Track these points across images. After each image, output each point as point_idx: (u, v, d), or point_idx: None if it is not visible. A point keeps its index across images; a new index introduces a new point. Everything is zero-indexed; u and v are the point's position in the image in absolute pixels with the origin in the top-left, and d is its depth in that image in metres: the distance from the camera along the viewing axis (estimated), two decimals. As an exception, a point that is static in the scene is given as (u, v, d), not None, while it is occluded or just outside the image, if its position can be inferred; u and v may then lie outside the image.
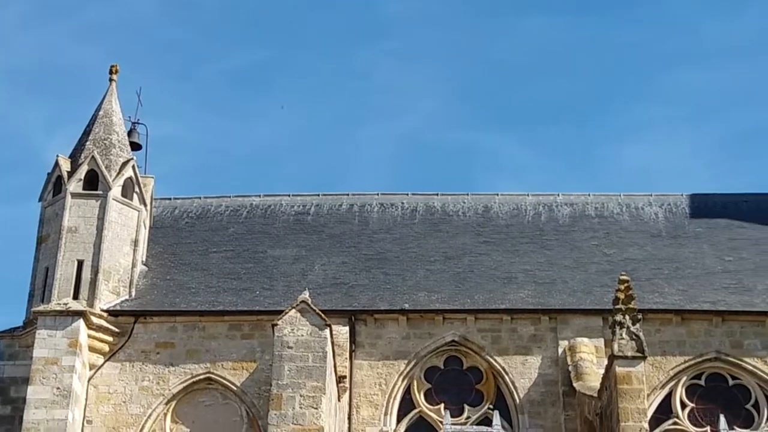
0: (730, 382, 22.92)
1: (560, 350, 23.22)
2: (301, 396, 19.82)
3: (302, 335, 20.28)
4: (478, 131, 55.25)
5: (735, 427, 21.28)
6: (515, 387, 23.08)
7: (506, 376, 23.20)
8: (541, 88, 56.01)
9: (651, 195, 28.11)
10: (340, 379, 22.46)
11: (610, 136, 55.59)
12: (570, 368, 22.70)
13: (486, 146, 55.05)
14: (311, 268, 25.49)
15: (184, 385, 23.10)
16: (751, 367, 22.81)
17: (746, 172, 52.88)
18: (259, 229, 27.43)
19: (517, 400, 22.95)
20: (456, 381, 23.58)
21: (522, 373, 23.20)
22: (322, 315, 20.67)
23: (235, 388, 22.94)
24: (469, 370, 23.64)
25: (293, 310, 20.61)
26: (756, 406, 22.58)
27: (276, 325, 20.53)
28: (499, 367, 23.31)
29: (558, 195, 28.38)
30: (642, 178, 53.57)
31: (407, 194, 28.61)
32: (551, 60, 55.81)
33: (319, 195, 28.76)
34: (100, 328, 23.14)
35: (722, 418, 20.47)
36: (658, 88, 55.29)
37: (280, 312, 21.07)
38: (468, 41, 55.44)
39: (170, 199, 28.60)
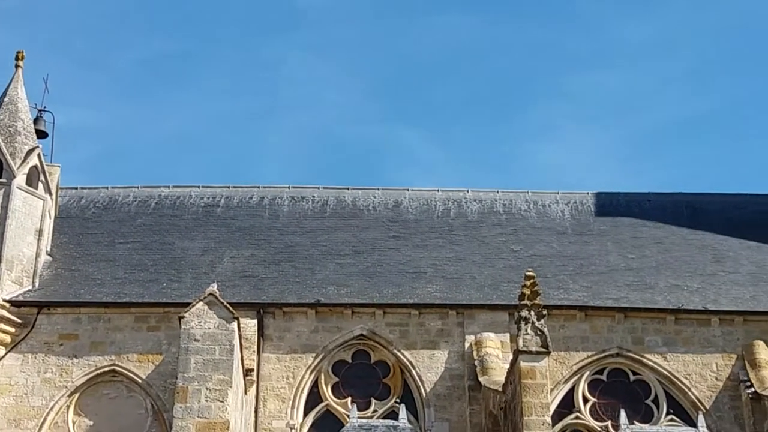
0: (631, 377, 23.41)
1: (467, 345, 23.45)
2: (207, 389, 19.68)
3: (209, 328, 20.14)
4: (390, 126, 55.45)
5: (635, 422, 21.72)
6: (422, 381, 23.25)
7: (413, 370, 23.36)
8: (453, 85, 56.42)
9: (558, 193, 28.55)
10: (247, 372, 22.37)
11: (519, 134, 56.27)
12: (476, 363, 22.94)
13: (398, 141, 55.26)
14: (220, 261, 25.33)
15: (88, 377, 22.78)
16: (651, 363, 23.32)
17: (651, 171, 54.04)
18: (167, 221, 27.15)
19: (424, 394, 23.13)
20: (363, 375, 23.65)
21: (429, 367, 23.38)
22: (230, 308, 20.54)
23: (140, 381, 22.69)
24: (377, 364, 23.74)
25: (201, 303, 20.44)
26: (655, 401, 23.11)
27: (183, 317, 20.34)
28: (406, 361, 23.46)
29: (467, 191, 28.66)
30: (550, 176, 54.43)
31: (318, 188, 28.61)
32: (463, 58, 56.29)
33: (229, 187, 28.58)
34: (1, 319, 22.68)
35: (623, 413, 20.85)
36: (566, 88, 56.12)
37: (187, 304, 20.86)
38: (380, 36, 55.62)
39: (77, 188, 28.14)
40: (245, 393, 22.27)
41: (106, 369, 22.85)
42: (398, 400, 22.82)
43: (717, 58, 56.31)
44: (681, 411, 22.92)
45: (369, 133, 54.72)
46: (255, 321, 23.30)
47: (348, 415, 21.79)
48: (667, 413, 22.80)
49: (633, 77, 55.86)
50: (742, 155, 55.07)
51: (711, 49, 56.36)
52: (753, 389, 22.32)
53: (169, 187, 28.49)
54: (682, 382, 23.06)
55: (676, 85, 56.03)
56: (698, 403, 22.77)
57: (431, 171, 54.31)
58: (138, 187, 28.39)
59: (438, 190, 28.72)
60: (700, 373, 23.14)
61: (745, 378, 22.73)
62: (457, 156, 54.82)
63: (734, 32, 56.00)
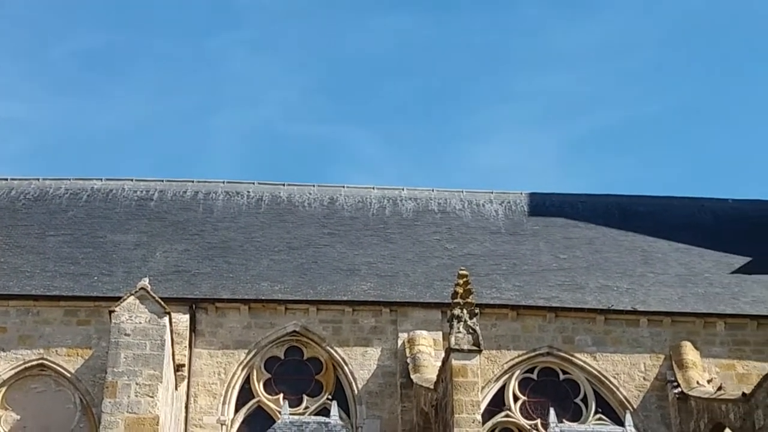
0: (561, 376, 23.66)
1: (400, 342, 23.51)
2: (137, 384, 19.50)
3: (140, 322, 19.96)
4: (330, 124, 55.40)
5: (564, 420, 21.96)
6: (354, 378, 23.27)
7: (346, 367, 23.37)
8: (394, 84, 56.58)
9: (492, 192, 28.76)
10: (178, 368, 22.20)
11: (459, 134, 56.57)
12: (408, 360, 23.01)
13: (339, 140, 55.25)
14: (152, 255, 25.10)
15: (16, 371, 22.44)
16: (581, 363, 23.59)
17: (586, 174, 54.69)
18: (99, 214, 26.84)
19: (356, 391, 23.15)
20: (296, 371, 23.61)
21: (362, 364, 23.41)
22: (162, 302, 20.38)
23: (69, 375, 22.40)
24: (310, 361, 23.71)
25: (132, 297, 20.25)
26: (584, 400, 23.37)
27: (113, 311, 20.14)
28: (339, 358, 23.45)
29: (403, 189, 28.75)
30: (487, 177, 54.82)
31: (253, 183, 28.50)
32: (405, 58, 56.45)
33: (163, 181, 28.34)
34: (-73, 311, 22.24)
35: (552, 411, 21.05)
36: (506, 90, 56.58)
37: (118, 298, 20.69)
38: (323, 35, 55.53)
39: (6, 179, 27.73)
40: (176, 388, 22.11)
41: (35, 363, 22.52)
42: (330, 397, 22.83)
43: (655, 64, 57.17)
44: (609, 410, 23.21)
45: (310, 131, 54.63)
46: (187, 316, 23.11)
47: (279, 412, 21.72)
48: (596, 412, 23.09)
49: (574, 80, 56.48)
50: (672, 159, 55.97)
51: (650, 54, 57.19)
52: (680, 389, 22.69)
53: (101, 179, 28.18)
54: (610, 382, 23.36)
55: (614, 90, 56.77)
56: (626, 403, 23.08)
57: (372, 170, 54.44)
58: (70, 179, 28.03)
59: (374, 188, 28.76)
60: (628, 372, 23.46)
61: (672, 378, 23.10)
62: (398, 155, 54.99)
63: (673, 39, 56.90)
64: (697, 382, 22.60)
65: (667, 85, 56.95)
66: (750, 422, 19.86)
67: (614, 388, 23.25)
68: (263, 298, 23.76)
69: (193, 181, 28.43)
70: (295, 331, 23.67)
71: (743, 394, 20.39)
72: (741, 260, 26.17)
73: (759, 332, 23.35)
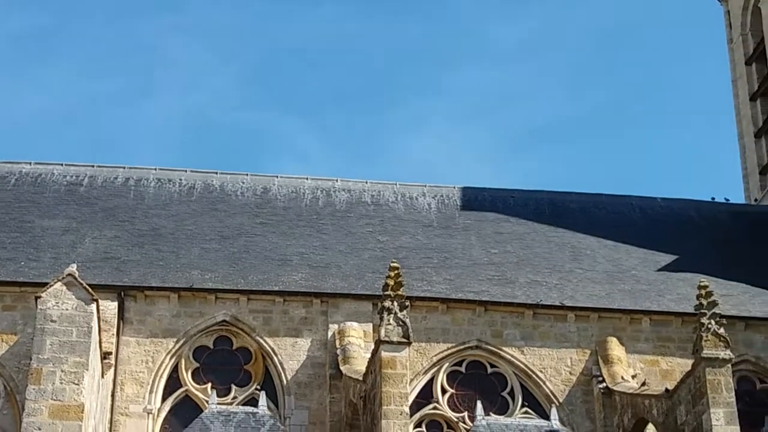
0: (489, 369, 23.85)
1: (330, 333, 23.50)
2: (62, 371, 19.27)
3: (67, 309, 19.71)
4: (265, 113, 55.22)
5: (490, 413, 22.18)
6: (283, 368, 23.21)
7: (275, 358, 23.30)
8: (330, 75, 56.55)
9: (425, 186, 28.85)
10: (105, 356, 21.94)
11: (393, 127, 56.78)
12: (338, 352, 23.01)
13: (273, 129, 55.11)
14: (81, 241, 24.79)
15: (-62, 356, 22.03)
16: (509, 356, 23.78)
17: (518, 169, 55.18)
18: (27, 198, 26.42)
19: (285, 382, 23.10)
20: (225, 361, 23.48)
21: (291, 354, 23.36)
22: (89, 289, 20.15)
23: (-7, 361, 22.04)
24: (239, 351, 23.59)
25: (59, 283, 19.99)
26: (511, 393, 23.57)
27: (39, 297, 19.87)
28: (268, 348, 23.38)
29: (336, 180, 28.72)
30: (420, 170, 55.10)
31: (186, 171, 28.26)
32: (341, 49, 56.47)
33: (93, 166, 27.99)
34: None
35: (479, 404, 21.27)
36: (441, 84, 56.87)
37: (45, 284, 20.42)
38: (260, 23, 55.30)
39: (-69, 162, 27.15)
40: (102, 376, 21.87)
41: (-42, 348, 22.12)
42: (259, 387, 22.76)
43: (588, 61, 57.82)
44: (535, 404, 23.44)
45: (244, 119, 54.40)
46: (115, 303, 22.87)
47: (207, 401, 21.62)
48: (522, 405, 23.30)
49: (507, 76, 56.95)
50: (603, 156, 56.69)
51: (583, 52, 57.82)
52: (605, 384, 23.00)
53: (30, 163, 27.74)
54: (537, 376, 23.59)
55: (547, 87, 57.34)
56: (552, 397, 23.34)
57: (306, 160, 54.39)
58: (-3, 163, 27.56)
59: (307, 179, 28.70)
60: (555, 367, 23.72)
61: (598, 373, 23.40)
62: (331, 146, 55.02)
63: (607, 38, 57.59)
64: (622, 378, 22.94)
65: (599, 83, 57.70)
66: (672, 418, 20.27)
67: (541, 382, 23.50)
68: (193, 286, 23.58)
69: (124, 167, 28.11)
70: (224, 321, 23.54)
71: (666, 390, 20.79)
72: (668, 258, 26.59)
73: (683, 329, 23.72)
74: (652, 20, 58.46)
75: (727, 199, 30.49)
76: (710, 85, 53.49)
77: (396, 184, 28.83)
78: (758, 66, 31.70)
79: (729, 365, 19.49)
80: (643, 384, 22.47)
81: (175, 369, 23.13)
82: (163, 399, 22.86)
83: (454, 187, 28.92)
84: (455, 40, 58.04)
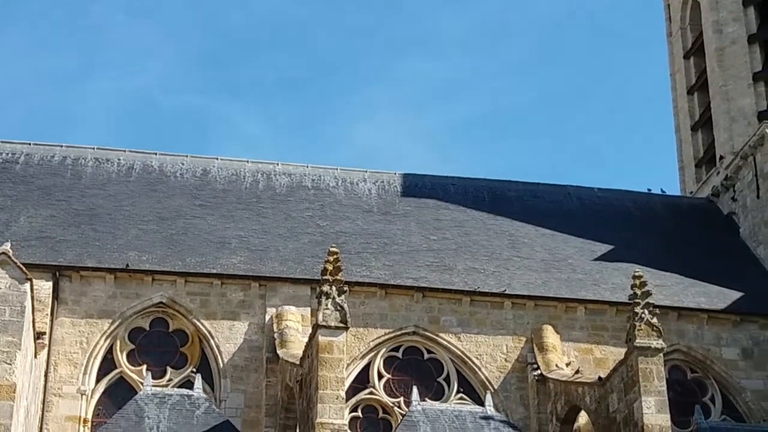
0: (426, 355, 23.97)
1: (267, 317, 23.46)
2: (-6, 351, 18.97)
3: (0, 288, 19.39)
4: (211, 97, 54.83)
5: (426, 399, 22.30)
6: (220, 351, 23.13)
7: (212, 340, 23.21)
8: (275, 60, 56.25)
9: (366, 171, 28.84)
10: (38, 336, 21.65)
11: (339, 114, 56.68)
12: (275, 335, 22.99)
13: (218, 113, 54.72)
14: (16, 220, 24.43)
15: None
16: (445, 343, 23.94)
17: (462, 157, 55.46)
18: (-39, 175, 25.96)
19: (221, 365, 23.02)
20: (161, 343, 23.34)
21: (228, 338, 23.28)
22: (23, 268, 19.81)
23: None
24: (175, 333, 23.47)
25: (-8, 262, 19.64)
26: (447, 379, 23.74)
27: (-28, 276, 19.52)
28: (205, 331, 23.28)
29: (277, 164, 28.59)
30: (365, 156, 55.17)
31: (124, 151, 27.95)
32: (288, 35, 56.19)
33: (30, 144, 27.55)
34: None
35: (415, 390, 21.39)
36: (387, 72, 56.87)
37: (-22, 263, 20.05)
38: (208, 7, 54.81)
39: None
40: (35, 356, 21.58)
41: None
42: (194, 370, 22.66)
43: (531, 52, 58.20)
44: (471, 390, 23.64)
45: (187, 101, 53.95)
46: (50, 283, 22.61)
47: (142, 383, 21.48)
48: (458, 391, 23.49)
49: (453, 65, 57.14)
50: (544, 147, 57.17)
51: (526, 43, 58.18)
52: (539, 371, 23.25)
53: (-36, 140, 27.24)
54: (473, 362, 23.77)
55: (490, 77, 57.62)
56: (487, 383, 23.54)
57: (249, 145, 54.16)
58: (-69, 138, 27.03)
59: (248, 161, 28.53)
60: (491, 354, 23.91)
61: (533, 360, 23.66)
62: (276, 132, 54.81)
63: (549, 31, 58.00)
64: (556, 365, 23.20)
65: (542, 74, 58.12)
66: (604, 406, 20.54)
67: (476, 369, 23.69)
68: (130, 267, 23.38)
69: (61, 146, 27.70)
70: (161, 303, 23.39)
71: (599, 378, 21.07)
72: (604, 248, 26.91)
73: (617, 318, 24.04)
74: (595, 13, 59.03)
75: (663, 191, 30.94)
76: (650, 78, 54.13)
77: (337, 169, 28.78)
78: (696, 60, 32.12)
79: (661, 354, 19.78)
80: (577, 372, 22.75)
81: (110, 350, 22.95)
82: (97, 380, 22.67)
83: (395, 174, 28.94)
84: (402, 28, 58.15)
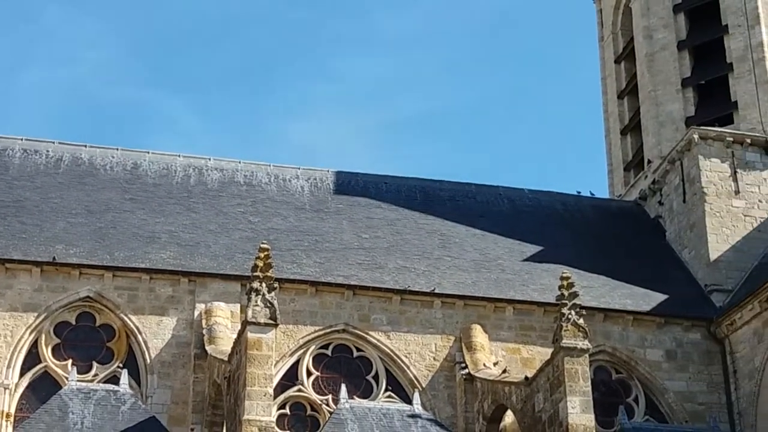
0: (355, 353, 24.02)
1: (196, 313, 23.33)
2: None
3: None
4: (146, 90, 54.25)
5: (354, 397, 22.36)
6: (147, 347, 22.94)
7: (139, 336, 23.01)
8: (215, 55, 55.90)
9: (299, 168, 28.76)
10: (-39, 329, 21.33)
11: (274, 110, 56.47)
12: (204, 331, 22.86)
13: (153, 106, 54.18)
14: (-60, 210, 23.97)
15: None
16: (375, 341, 24.00)
17: (397, 156, 55.62)
18: None
19: (148, 360, 22.83)
20: (87, 337, 23.08)
21: (156, 333, 23.11)
22: (-53, 260, 19.54)
23: None
24: (102, 328, 23.22)
25: None
26: (376, 377, 23.81)
27: None
28: (133, 326, 23.07)
29: (209, 159, 28.40)
30: (300, 154, 55.04)
31: (53, 142, 27.54)
32: (228, 29, 55.83)
33: (-44, 135, 27.05)
34: None
35: (343, 388, 21.42)
36: (327, 69, 56.78)
37: None
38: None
39: None
40: (-43, 350, 21.24)
41: None
42: (121, 365, 22.45)
43: (469, 54, 58.58)
44: (399, 388, 23.73)
45: (122, 94, 53.36)
46: (-26, 276, 22.24)
47: (67, 378, 21.22)
48: (386, 390, 23.57)
49: (393, 64, 57.24)
50: (478, 147, 57.56)
51: (464, 45, 58.55)
52: (467, 371, 23.44)
53: None
54: (402, 361, 23.87)
55: (427, 78, 57.85)
56: (416, 382, 23.65)
57: (185, 139, 53.76)
58: None
59: (179, 156, 28.30)
60: (419, 352, 24.04)
61: (461, 359, 23.83)
62: (212, 127, 54.44)
63: (486, 31, 58.41)
64: (484, 365, 23.40)
65: (478, 76, 58.52)
66: (530, 405, 20.78)
67: (405, 367, 23.79)
68: (56, 260, 23.08)
69: (-12, 136, 27.24)
70: (88, 297, 23.14)
71: (526, 377, 21.29)
72: (533, 249, 27.19)
73: (545, 319, 24.33)
74: (531, 17, 59.59)
75: (593, 194, 31.33)
76: (583, 82, 54.79)
77: (270, 166, 28.67)
78: (627, 65, 32.56)
79: (586, 355, 20.05)
80: (504, 371, 22.96)
81: (35, 344, 22.63)
82: (21, 374, 22.34)
83: (328, 171, 28.91)
84: (342, 26, 58.11)
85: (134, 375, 22.36)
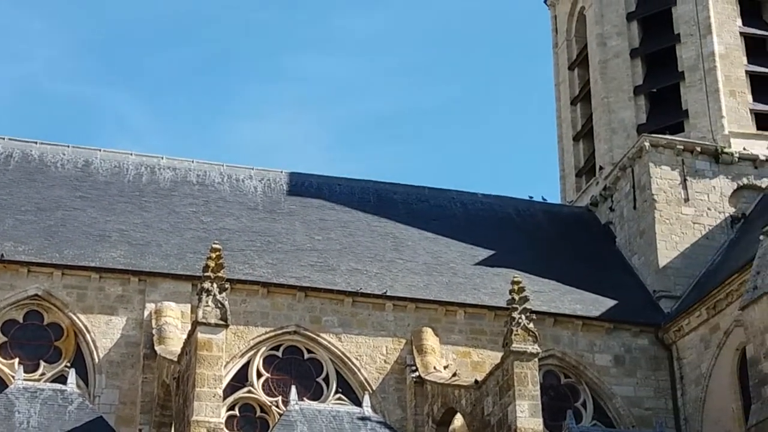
0: (306, 355, 23.97)
1: (146, 313, 23.16)
2: None
3: None
4: (99, 87, 53.79)
5: (304, 398, 22.32)
6: (96, 346, 22.74)
7: (88, 335, 22.80)
8: (167, 53, 55.53)
9: (252, 169, 28.66)
10: None
11: (228, 110, 56.22)
12: (154, 331, 22.71)
13: (106, 104, 53.72)
14: None
15: None
16: (326, 343, 23.98)
17: (352, 159, 55.62)
18: None
19: (96, 360, 22.63)
20: (35, 336, 22.82)
21: (105, 332, 22.91)
22: None
23: None
24: (50, 326, 22.98)
25: None
26: (326, 379, 23.78)
27: None
28: (81, 325, 22.86)
29: (162, 158, 28.21)
30: (254, 154, 54.83)
31: (3, 138, 27.22)
32: (181, 28, 55.50)
33: None
34: None
35: (293, 389, 21.38)
36: (283, 69, 56.64)
37: None
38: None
39: None
40: None
41: None
42: (69, 365, 22.22)
43: (426, 59, 58.74)
44: (349, 390, 23.72)
45: (74, 91, 52.87)
46: None
47: (13, 377, 20.96)
48: (336, 392, 23.55)
49: (351, 66, 57.24)
50: (433, 151, 57.74)
51: (421, 50, 58.70)
52: (417, 373, 23.48)
53: None
54: (353, 363, 23.87)
55: (384, 81, 57.91)
56: (366, 384, 23.66)
57: (137, 138, 53.34)
58: None
59: (131, 154, 28.08)
60: (370, 355, 24.05)
61: (412, 362, 23.87)
62: (165, 126, 54.10)
63: (444, 37, 58.63)
64: (435, 368, 23.46)
65: (435, 80, 58.71)
66: (480, 408, 20.87)
67: (356, 370, 23.79)
68: (4, 258, 22.80)
69: (-64, 133, 26.85)
70: (36, 295, 22.89)
71: (475, 381, 21.38)
72: (485, 253, 27.30)
73: (495, 323, 24.45)
74: (488, 22, 59.84)
75: (545, 199, 31.55)
76: (537, 88, 55.15)
77: (223, 165, 28.53)
78: (580, 71, 32.83)
79: (536, 359, 20.18)
80: (454, 375, 23.04)
81: (-19, 343, 22.34)
82: (-33, 373, 22.04)
83: (282, 172, 28.84)
84: (299, 27, 58.01)
85: (82, 375, 22.14)
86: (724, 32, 29.89)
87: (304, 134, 56.73)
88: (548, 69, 34.30)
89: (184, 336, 21.10)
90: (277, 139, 55.84)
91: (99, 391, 22.34)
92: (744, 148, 28.52)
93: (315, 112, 57.48)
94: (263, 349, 23.68)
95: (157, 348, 22.25)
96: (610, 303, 26.23)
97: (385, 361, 24.06)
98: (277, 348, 23.85)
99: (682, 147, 28.26)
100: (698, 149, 28.34)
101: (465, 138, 59.22)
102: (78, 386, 20.90)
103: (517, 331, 20.18)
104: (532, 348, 20.13)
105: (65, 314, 22.91)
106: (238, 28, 56.94)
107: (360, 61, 58.13)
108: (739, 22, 30.24)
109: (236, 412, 22.96)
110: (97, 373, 22.52)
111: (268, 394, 23.25)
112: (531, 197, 31.08)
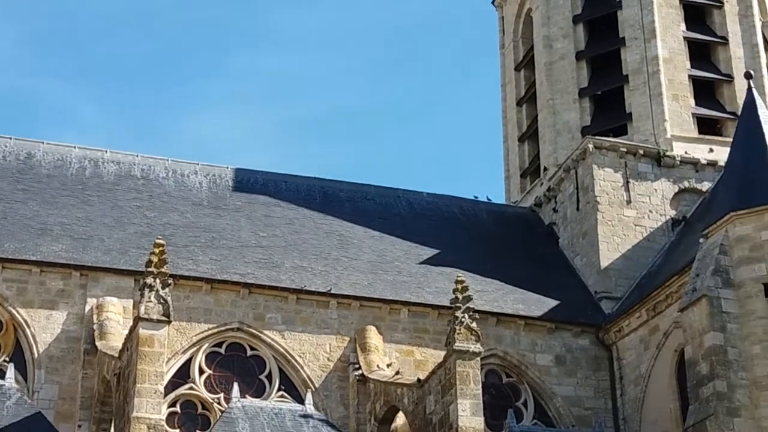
0: (249, 352, 23.90)
1: (88, 308, 22.95)
2: None
3: None
4: (42, 79, 53.12)
5: (247, 396, 22.25)
6: (36, 341, 22.49)
7: (27, 330, 22.54)
8: (112, 46, 55.01)
9: (198, 164, 28.48)
10: None
11: (174, 104, 55.82)
12: (95, 326, 22.51)
13: (49, 96, 53.08)
14: None
15: None
16: (269, 340, 23.92)
17: (297, 156, 55.50)
18: None
19: (36, 355, 22.37)
20: (-28, 331, 22.53)
21: (45, 327, 22.66)
22: None
23: None
24: (-11, 321, 22.69)
25: None
26: (269, 377, 23.74)
27: None
28: (21, 320, 22.60)
29: (105, 151, 27.94)
30: (198, 150, 54.47)
31: (-57, 131, 26.79)
32: (126, 21, 55.00)
33: None
34: None
35: (235, 386, 21.30)
36: (227, 65, 56.35)
37: None
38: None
39: None
40: None
41: None
42: (7, 359, 21.94)
43: (372, 57, 58.77)
44: (292, 388, 23.71)
45: (16, 83, 52.16)
46: None
47: (-50, 372, 20.66)
48: (279, 389, 23.51)
49: (295, 63, 57.06)
50: (378, 149, 57.83)
51: (367, 47, 58.70)
52: (360, 372, 23.52)
53: None
54: (296, 360, 23.84)
55: (329, 79, 57.83)
56: (309, 382, 23.64)
57: (81, 131, 52.75)
58: None
59: (75, 147, 27.77)
60: (313, 352, 24.04)
61: (355, 360, 23.91)
62: (109, 120, 53.58)
63: (390, 35, 58.69)
64: (378, 366, 23.51)
65: (382, 79, 58.79)
66: (422, 407, 20.97)
67: (299, 367, 23.77)
68: (-57, 251, 22.49)
69: None
70: (-25, 289, 22.56)
71: (418, 379, 21.47)
72: (429, 252, 27.40)
73: (439, 321, 24.55)
74: (435, 22, 60.03)
75: (489, 199, 31.73)
76: (484, 88, 55.38)
77: (168, 160, 28.32)
78: (526, 72, 33.03)
79: (478, 358, 20.31)
80: (397, 373, 23.11)
81: None
82: None
83: (227, 168, 28.70)
84: (242, 23, 57.73)
85: (21, 369, 21.86)
86: (669, 36, 30.27)
87: (249, 130, 56.52)
88: (495, 69, 34.50)
89: (126, 332, 20.91)
90: (222, 135, 55.62)
91: (38, 387, 22.09)
92: (686, 152, 28.90)
93: (259, 108, 57.33)
94: (206, 345, 23.57)
95: (98, 343, 22.05)
96: (553, 303, 26.46)
97: (328, 359, 24.07)
98: (219, 345, 23.75)
99: (625, 149, 28.56)
100: (641, 152, 28.66)
101: (411, 137, 59.45)
102: (16, 381, 20.63)
103: (460, 330, 20.30)
104: (475, 347, 20.26)
105: (5, 308, 22.63)
106: (182, 22, 56.57)
107: (304, 58, 58.11)
108: (683, 26, 30.64)
109: (177, 408, 22.83)
110: (37, 368, 22.27)
111: (210, 391, 23.15)
112: (476, 197, 31.29)
